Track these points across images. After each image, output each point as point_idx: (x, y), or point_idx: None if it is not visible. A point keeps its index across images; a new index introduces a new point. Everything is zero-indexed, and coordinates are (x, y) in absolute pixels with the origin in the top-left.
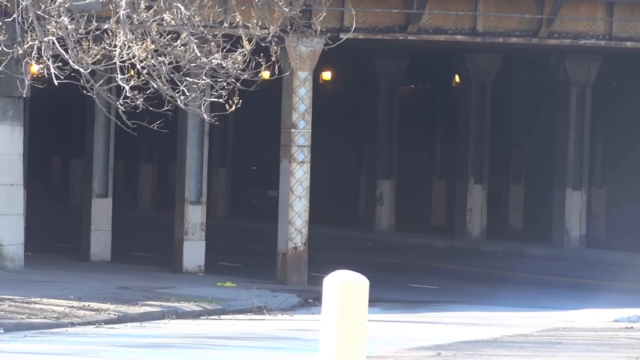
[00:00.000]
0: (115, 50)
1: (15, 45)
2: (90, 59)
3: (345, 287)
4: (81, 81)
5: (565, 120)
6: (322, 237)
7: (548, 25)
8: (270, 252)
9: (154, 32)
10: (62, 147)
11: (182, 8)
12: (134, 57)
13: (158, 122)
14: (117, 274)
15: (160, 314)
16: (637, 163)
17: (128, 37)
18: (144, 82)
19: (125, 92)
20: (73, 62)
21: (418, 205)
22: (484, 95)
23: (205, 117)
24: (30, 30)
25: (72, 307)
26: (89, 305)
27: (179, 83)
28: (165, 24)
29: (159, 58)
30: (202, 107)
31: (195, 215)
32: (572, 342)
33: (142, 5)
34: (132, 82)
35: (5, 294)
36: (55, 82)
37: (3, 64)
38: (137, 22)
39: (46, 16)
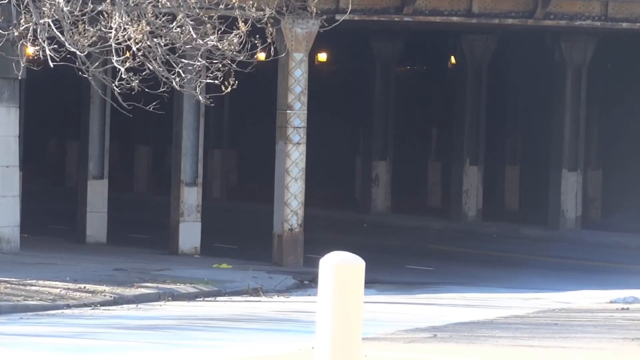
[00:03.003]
0: (110, 32)
1: (10, 27)
2: (85, 41)
3: (341, 268)
4: (77, 63)
5: (561, 101)
6: (318, 219)
7: (544, 6)
8: (266, 233)
9: (150, 14)
10: (57, 129)
11: None
12: (129, 39)
13: (154, 103)
14: (113, 256)
15: (156, 295)
16: (633, 144)
17: (124, 18)
18: (140, 63)
19: (121, 74)
20: (69, 44)
21: (414, 186)
22: (479, 76)
23: (201, 98)
24: (26, 12)
25: (68, 289)
26: (84, 287)
27: (174, 65)
28: (160, 6)
29: (155, 40)
30: (198, 88)
31: (191, 197)
32: (568, 323)
33: None
34: (127, 64)
35: (1, 276)
36: (51, 64)
37: None
38: (132, 4)
39: None
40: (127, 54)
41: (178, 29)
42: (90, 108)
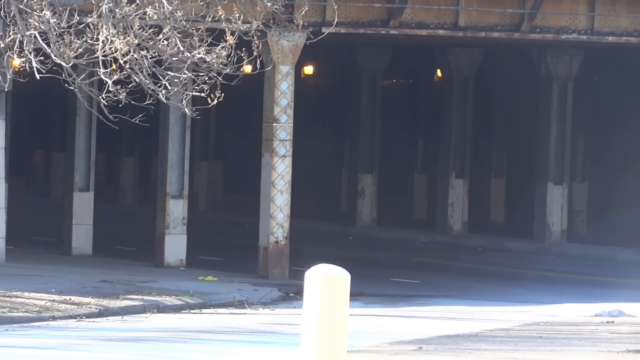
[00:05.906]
0: (97, 44)
1: None
2: (72, 52)
3: (326, 281)
4: (63, 75)
5: (547, 114)
6: (304, 231)
7: (530, 19)
8: (252, 246)
9: (137, 26)
10: (43, 141)
11: (165, 2)
12: (116, 51)
13: (140, 116)
14: (98, 267)
15: (142, 307)
16: (619, 158)
17: (110, 31)
18: (126, 76)
19: (108, 86)
20: (55, 56)
21: (400, 199)
22: (466, 89)
23: (187, 111)
24: (12, 24)
25: (54, 300)
26: (70, 299)
27: (161, 77)
28: (147, 18)
29: (141, 52)
30: (184, 101)
31: (176, 209)
32: (553, 336)
33: None
34: (114, 76)
35: None
36: (37, 76)
37: None
38: (119, 16)
39: (28, 10)
40: (114, 66)
41: (165, 42)
42: (76, 120)
